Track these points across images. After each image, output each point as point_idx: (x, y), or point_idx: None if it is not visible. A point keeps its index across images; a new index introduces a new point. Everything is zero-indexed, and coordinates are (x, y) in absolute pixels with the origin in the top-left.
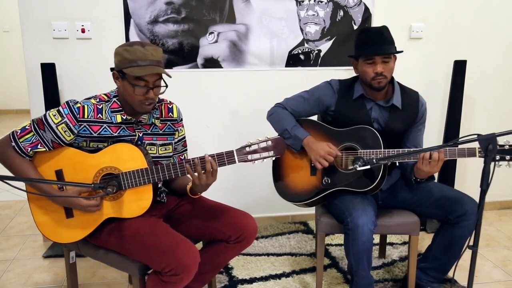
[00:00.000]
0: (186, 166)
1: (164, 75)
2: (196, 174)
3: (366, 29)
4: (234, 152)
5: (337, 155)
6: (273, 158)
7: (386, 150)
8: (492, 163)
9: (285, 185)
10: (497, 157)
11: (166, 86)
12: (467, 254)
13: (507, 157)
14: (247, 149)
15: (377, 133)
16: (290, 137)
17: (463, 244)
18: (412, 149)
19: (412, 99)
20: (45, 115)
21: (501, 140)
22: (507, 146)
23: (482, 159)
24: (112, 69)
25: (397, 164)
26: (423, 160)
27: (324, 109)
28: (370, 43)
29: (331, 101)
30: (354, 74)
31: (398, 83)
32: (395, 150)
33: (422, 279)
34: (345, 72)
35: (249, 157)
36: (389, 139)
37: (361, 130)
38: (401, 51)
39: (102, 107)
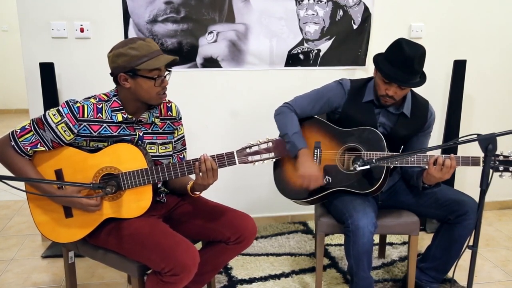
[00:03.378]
0: (195, 164)
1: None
2: (200, 174)
3: (401, 47)
4: (235, 153)
5: (319, 184)
6: (273, 160)
7: (390, 153)
8: (492, 166)
9: (286, 182)
10: (501, 168)
11: (170, 71)
12: (467, 254)
13: (511, 168)
14: (248, 150)
15: (381, 135)
16: (289, 142)
17: (463, 244)
18: (411, 151)
19: (422, 107)
20: (44, 115)
21: (506, 151)
22: None
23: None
24: (112, 74)
25: (400, 169)
26: (436, 166)
27: (333, 110)
28: (396, 67)
29: (340, 102)
30: (354, 74)
31: (411, 90)
32: (399, 154)
33: (421, 279)
34: (345, 72)
35: (250, 158)
36: (393, 144)
37: (366, 132)
38: (422, 84)
39: (102, 106)
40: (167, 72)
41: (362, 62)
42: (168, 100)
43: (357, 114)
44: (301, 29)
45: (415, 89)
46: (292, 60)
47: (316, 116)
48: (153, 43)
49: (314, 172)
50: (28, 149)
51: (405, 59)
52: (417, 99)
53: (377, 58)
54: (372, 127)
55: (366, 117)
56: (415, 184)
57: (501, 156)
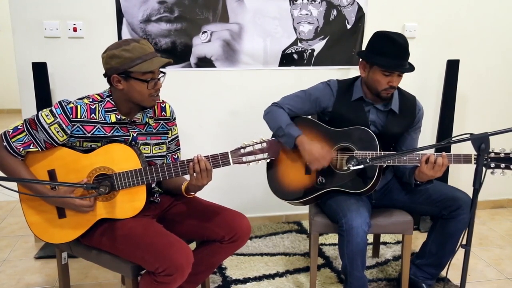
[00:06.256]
0: (189, 164)
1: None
2: (195, 174)
3: (390, 38)
4: (229, 154)
5: (332, 157)
6: (268, 160)
7: (383, 152)
8: (485, 163)
9: (279, 183)
10: (492, 165)
11: (164, 73)
12: (460, 253)
13: (502, 165)
14: (242, 151)
15: (373, 134)
16: (284, 134)
17: (458, 238)
18: (405, 151)
19: (409, 103)
20: (37, 115)
21: (497, 148)
22: (503, 154)
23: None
24: (105, 75)
25: (392, 167)
26: (428, 164)
27: (321, 110)
28: (394, 56)
29: (329, 103)
30: (348, 74)
31: (397, 87)
32: (392, 153)
33: (418, 275)
34: (339, 72)
35: (244, 159)
36: (385, 142)
37: (358, 131)
38: (414, 68)
39: (95, 107)
40: (161, 75)
41: (356, 62)
42: (162, 101)
43: (348, 113)
44: (295, 29)
45: (408, 87)
46: (286, 60)
47: (307, 116)
48: (147, 44)
49: (321, 152)
50: (21, 150)
51: (400, 47)
52: (404, 96)
53: (366, 55)
54: (364, 125)
55: (357, 116)
56: (408, 181)
57: (492, 153)
